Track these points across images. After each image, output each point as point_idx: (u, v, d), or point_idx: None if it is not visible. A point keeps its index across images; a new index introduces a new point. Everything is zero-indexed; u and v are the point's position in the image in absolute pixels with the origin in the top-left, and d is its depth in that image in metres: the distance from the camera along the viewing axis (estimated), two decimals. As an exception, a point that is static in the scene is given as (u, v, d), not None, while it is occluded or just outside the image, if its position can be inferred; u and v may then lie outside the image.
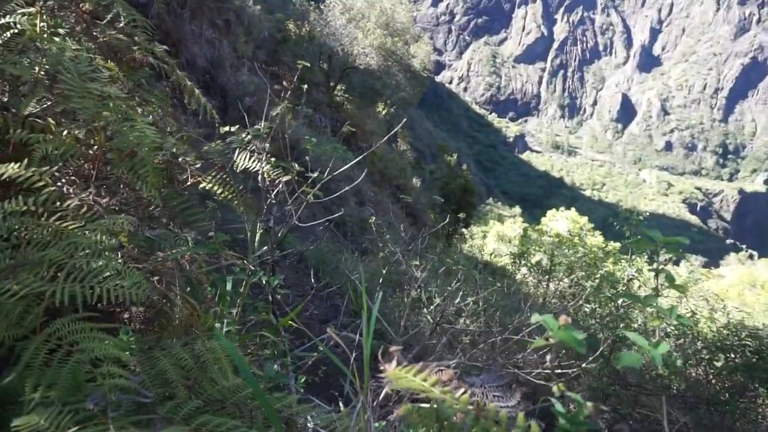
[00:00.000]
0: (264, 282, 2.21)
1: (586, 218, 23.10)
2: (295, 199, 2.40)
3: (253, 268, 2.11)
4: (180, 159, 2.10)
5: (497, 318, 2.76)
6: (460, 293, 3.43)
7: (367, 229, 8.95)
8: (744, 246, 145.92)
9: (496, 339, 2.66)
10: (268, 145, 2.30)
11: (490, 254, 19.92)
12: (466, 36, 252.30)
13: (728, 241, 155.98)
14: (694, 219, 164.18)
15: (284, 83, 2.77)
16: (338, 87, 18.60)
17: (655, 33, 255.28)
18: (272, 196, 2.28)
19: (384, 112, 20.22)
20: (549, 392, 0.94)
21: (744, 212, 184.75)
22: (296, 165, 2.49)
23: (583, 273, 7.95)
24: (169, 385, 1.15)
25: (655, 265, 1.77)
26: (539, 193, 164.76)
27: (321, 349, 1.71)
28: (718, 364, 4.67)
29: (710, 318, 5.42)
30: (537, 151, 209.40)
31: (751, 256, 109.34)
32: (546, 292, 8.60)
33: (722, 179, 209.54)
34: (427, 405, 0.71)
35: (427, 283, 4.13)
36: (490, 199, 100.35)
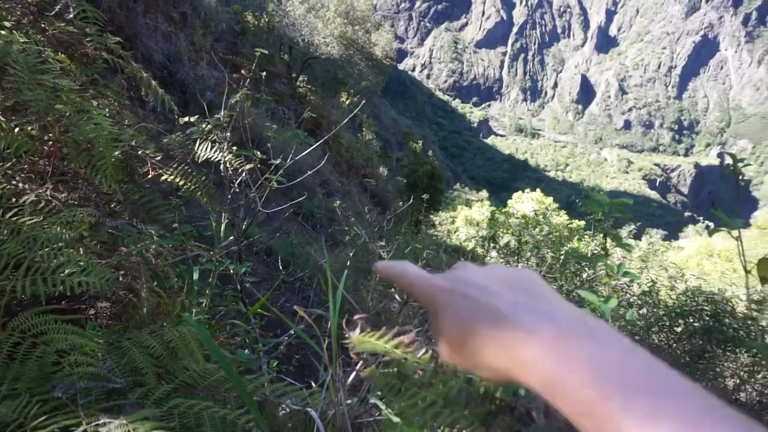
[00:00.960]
0: (232, 271, 2.20)
1: (551, 198, 23.55)
2: (258, 187, 2.39)
3: (219, 258, 2.11)
4: (140, 152, 2.07)
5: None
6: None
7: (335, 219, 8.96)
8: (701, 218, 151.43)
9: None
10: (228, 134, 2.28)
11: (460, 239, 20.17)
12: (427, 23, 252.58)
13: (686, 214, 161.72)
14: (654, 194, 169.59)
15: (243, 72, 2.75)
16: (300, 78, 18.40)
17: (610, 14, 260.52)
18: (235, 185, 2.27)
19: (348, 102, 20.12)
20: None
21: (700, 185, 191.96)
22: (258, 153, 2.48)
23: (549, 251, 8.15)
24: (138, 372, 1.15)
25: (604, 227, 1.85)
26: (505, 177, 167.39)
27: (294, 331, 1.72)
28: (678, 330, 4.88)
29: (671, 287, 5.66)
30: (501, 135, 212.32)
31: (707, 227, 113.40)
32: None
33: (679, 154, 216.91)
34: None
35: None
36: (458, 184, 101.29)
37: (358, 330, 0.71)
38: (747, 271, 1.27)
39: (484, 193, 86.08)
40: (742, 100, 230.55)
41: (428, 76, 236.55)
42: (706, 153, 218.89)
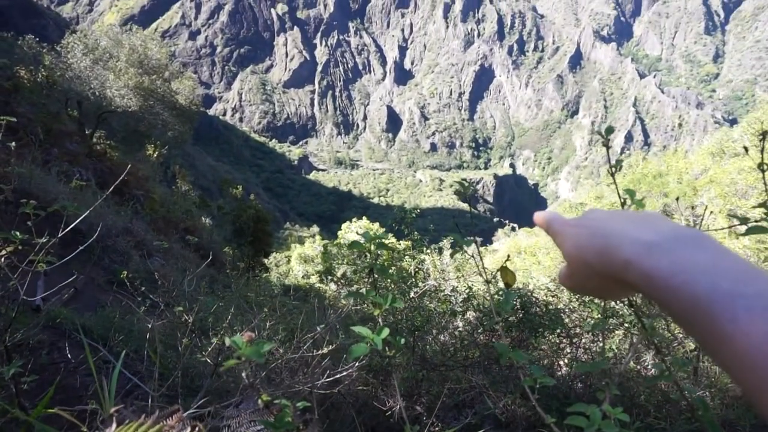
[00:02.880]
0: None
1: (378, 224, 24.72)
2: (21, 271, 2.08)
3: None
4: None
5: (296, 338, 2.82)
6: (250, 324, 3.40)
7: (158, 281, 8.26)
8: (506, 221, 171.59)
9: (293, 359, 2.72)
10: None
11: (297, 277, 20.01)
12: (232, 66, 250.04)
13: (495, 220, 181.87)
14: (466, 206, 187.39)
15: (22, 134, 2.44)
16: (96, 134, 16.77)
17: (403, 50, 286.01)
18: None
19: (156, 154, 18.86)
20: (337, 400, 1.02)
21: (501, 193, 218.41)
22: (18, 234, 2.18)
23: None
24: None
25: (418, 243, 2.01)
26: (333, 209, 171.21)
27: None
28: (499, 327, 5.42)
29: (486, 290, 6.30)
30: (322, 170, 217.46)
31: (513, 228, 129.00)
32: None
33: (480, 168, 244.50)
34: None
35: (232, 321, 4.01)
36: (288, 223, 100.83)
37: (114, 426, 0.67)
38: (489, 281, 1.48)
39: (315, 228, 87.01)
40: (519, 116, 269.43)
41: (241, 119, 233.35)
42: (501, 165, 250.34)
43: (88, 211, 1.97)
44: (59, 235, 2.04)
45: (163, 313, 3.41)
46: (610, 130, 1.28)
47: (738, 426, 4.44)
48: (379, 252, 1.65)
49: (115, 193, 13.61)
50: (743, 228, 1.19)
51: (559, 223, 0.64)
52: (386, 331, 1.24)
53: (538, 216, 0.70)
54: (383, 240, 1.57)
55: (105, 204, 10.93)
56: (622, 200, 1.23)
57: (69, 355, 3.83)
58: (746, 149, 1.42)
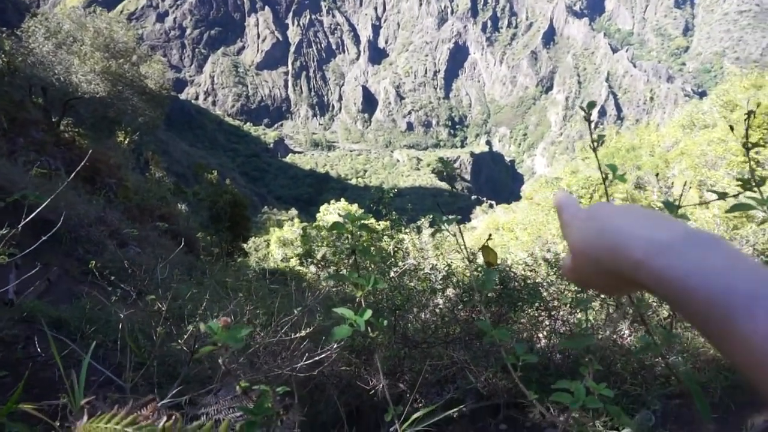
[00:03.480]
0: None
1: (356, 205, 24.71)
2: None
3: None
4: None
5: (274, 322, 2.80)
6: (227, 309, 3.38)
7: (134, 269, 8.13)
8: (484, 198, 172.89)
9: (273, 342, 2.71)
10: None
11: (277, 261, 19.92)
12: (203, 49, 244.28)
13: (473, 197, 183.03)
14: (443, 185, 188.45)
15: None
16: (63, 122, 16.27)
17: (376, 29, 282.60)
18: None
19: (127, 141, 18.42)
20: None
21: (478, 170, 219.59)
22: None
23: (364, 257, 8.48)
24: None
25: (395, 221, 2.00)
26: (311, 191, 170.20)
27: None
28: (480, 305, 5.49)
29: (465, 266, 6.36)
30: (299, 152, 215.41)
31: (491, 205, 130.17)
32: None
33: (456, 147, 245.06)
34: None
35: (208, 308, 3.97)
36: (266, 207, 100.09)
37: (84, 419, 0.65)
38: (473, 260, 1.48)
39: (294, 211, 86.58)
40: (495, 93, 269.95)
41: (214, 103, 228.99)
42: (477, 142, 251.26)
43: (49, 199, 1.90)
44: (20, 225, 1.97)
45: (136, 303, 3.36)
46: (591, 104, 1.28)
47: (710, 388, 4.60)
48: (360, 233, 1.64)
49: (86, 181, 13.28)
50: (722, 203, 1.20)
51: (570, 212, 0.64)
52: (369, 313, 1.23)
53: (555, 197, 0.69)
54: (364, 221, 1.56)
55: (76, 193, 10.67)
56: (604, 175, 1.23)
57: (40, 350, 3.76)
58: (731, 128, 1.42)
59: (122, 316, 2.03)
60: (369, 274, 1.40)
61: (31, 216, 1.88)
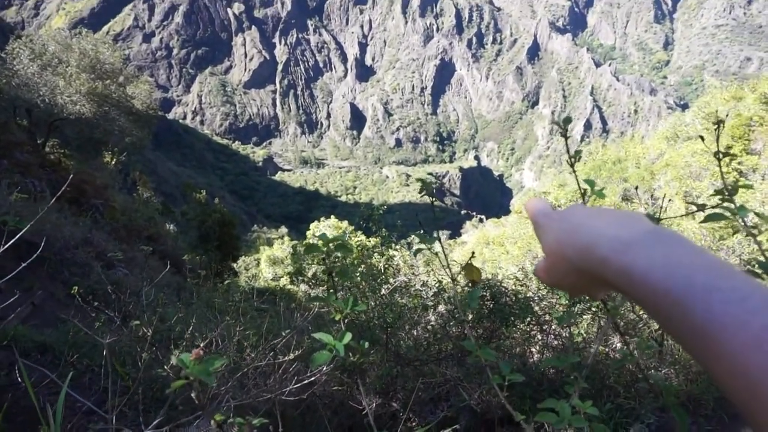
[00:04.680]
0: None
1: (347, 222, 24.66)
2: None
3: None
4: None
5: (261, 345, 2.76)
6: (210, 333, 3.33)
7: (122, 293, 8.02)
8: (474, 213, 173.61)
9: (261, 366, 2.66)
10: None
11: (267, 280, 19.78)
12: (190, 69, 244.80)
13: (462, 212, 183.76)
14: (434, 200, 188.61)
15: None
16: (48, 143, 16.14)
17: (363, 46, 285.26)
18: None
19: (114, 162, 18.31)
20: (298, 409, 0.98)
21: (467, 185, 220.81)
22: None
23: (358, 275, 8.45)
24: None
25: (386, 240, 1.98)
26: (301, 209, 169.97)
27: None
28: (470, 318, 5.47)
29: (452, 286, 6.35)
30: (288, 170, 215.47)
31: (481, 220, 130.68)
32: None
33: (445, 162, 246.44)
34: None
35: (196, 329, 3.92)
36: (255, 226, 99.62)
37: None
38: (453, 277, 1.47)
39: (284, 230, 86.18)
40: (482, 109, 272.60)
41: (202, 122, 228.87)
42: (465, 157, 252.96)
43: (30, 223, 1.87)
44: (0, 250, 1.94)
45: (121, 327, 3.30)
46: (568, 120, 1.29)
47: (702, 400, 4.59)
48: (339, 254, 1.62)
49: (72, 203, 13.15)
50: (701, 215, 1.21)
51: (543, 215, 0.66)
52: (348, 336, 1.20)
53: (527, 205, 0.71)
54: (342, 241, 1.53)
55: (62, 215, 10.54)
56: (582, 191, 1.24)
57: (19, 378, 3.66)
58: (702, 138, 1.44)
59: (105, 342, 1.98)
60: (350, 295, 1.38)
61: (11, 242, 1.85)
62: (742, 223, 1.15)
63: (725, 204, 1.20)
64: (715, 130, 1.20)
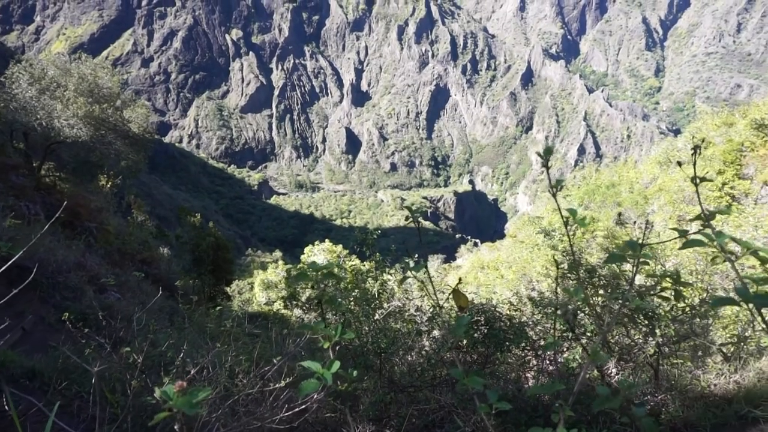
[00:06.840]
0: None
1: (341, 246, 24.57)
2: None
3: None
4: None
5: (252, 372, 2.73)
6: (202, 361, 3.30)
7: (114, 317, 7.94)
8: (468, 237, 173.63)
9: (251, 394, 2.64)
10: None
11: (260, 304, 19.61)
12: (187, 93, 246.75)
13: (457, 236, 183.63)
14: (429, 224, 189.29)
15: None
16: (44, 166, 16.15)
17: (359, 72, 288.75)
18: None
19: (109, 185, 18.31)
20: None
21: (462, 209, 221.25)
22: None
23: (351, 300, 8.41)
24: None
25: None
26: (295, 233, 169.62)
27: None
28: (464, 343, 5.43)
29: (450, 307, 6.33)
30: (283, 194, 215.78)
31: (475, 244, 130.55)
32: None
33: (440, 186, 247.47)
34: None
35: (188, 354, 3.88)
36: (250, 249, 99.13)
37: None
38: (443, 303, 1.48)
39: (278, 253, 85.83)
40: (476, 134, 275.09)
41: (198, 146, 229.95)
42: (460, 181, 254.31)
43: (23, 250, 1.88)
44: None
45: (111, 354, 3.26)
46: (548, 151, 1.32)
47: (699, 426, 4.55)
48: (327, 282, 1.62)
49: (66, 226, 13.09)
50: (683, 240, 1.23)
51: None
52: (337, 365, 1.21)
53: None
54: (330, 269, 1.54)
55: (55, 238, 10.49)
56: (565, 219, 1.26)
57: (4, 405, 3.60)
58: (679, 164, 1.48)
59: (94, 370, 1.96)
60: (339, 323, 1.39)
61: (3, 268, 1.85)
62: (719, 248, 1.17)
63: (705, 230, 1.22)
64: (692, 155, 1.23)
